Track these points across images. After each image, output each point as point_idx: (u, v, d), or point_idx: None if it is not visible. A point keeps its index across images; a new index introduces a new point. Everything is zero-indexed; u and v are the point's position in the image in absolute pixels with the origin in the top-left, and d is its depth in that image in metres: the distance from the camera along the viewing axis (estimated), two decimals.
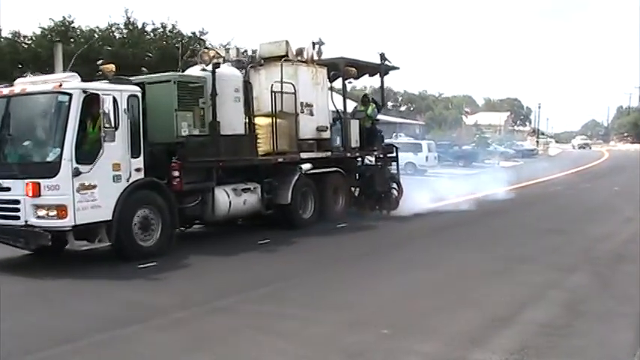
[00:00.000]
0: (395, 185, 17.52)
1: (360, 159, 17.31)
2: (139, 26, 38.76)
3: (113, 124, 10.54)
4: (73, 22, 35.86)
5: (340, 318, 7.43)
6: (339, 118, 16.59)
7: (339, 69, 16.27)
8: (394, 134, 61.51)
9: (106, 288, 9.31)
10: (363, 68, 17.40)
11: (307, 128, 15.06)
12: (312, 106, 15.17)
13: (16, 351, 6.40)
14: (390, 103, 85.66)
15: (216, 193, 12.85)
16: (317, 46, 15.57)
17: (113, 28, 38.32)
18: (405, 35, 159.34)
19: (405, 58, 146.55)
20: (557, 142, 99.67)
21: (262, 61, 15.08)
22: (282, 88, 14.50)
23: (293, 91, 14.58)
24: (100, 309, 8.02)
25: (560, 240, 12.99)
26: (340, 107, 16.76)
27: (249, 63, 15.02)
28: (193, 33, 39.77)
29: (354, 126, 16.74)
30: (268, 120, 14.11)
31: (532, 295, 8.49)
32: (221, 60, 13.33)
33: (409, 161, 34.04)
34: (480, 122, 74.19)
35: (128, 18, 38.51)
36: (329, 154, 15.70)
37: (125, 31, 38.43)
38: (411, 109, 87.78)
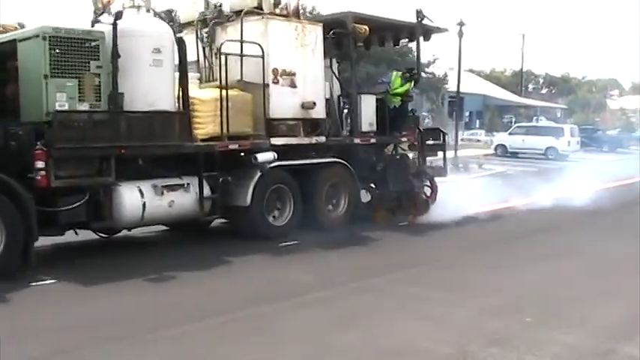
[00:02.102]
0: (427, 183, 13.13)
1: (379, 147, 13.04)
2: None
3: None
4: None
5: (483, 303, 7.38)
6: (348, 94, 12.51)
7: (345, 27, 12.15)
8: (534, 118, 55.90)
9: (250, 265, 9.29)
10: (384, 28, 13.17)
11: (285, 104, 11.17)
12: (293, 74, 11.23)
13: (172, 322, 6.65)
14: (530, 86, 78.95)
15: (120, 191, 9.35)
16: None
17: None
18: (547, 16, 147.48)
19: (548, 40, 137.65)
20: None
21: (233, 15, 11.33)
22: (242, 50, 10.72)
23: (260, 53, 10.72)
24: (247, 286, 8.17)
25: None
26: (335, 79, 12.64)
27: (213, 18, 11.37)
28: None
29: (368, 103, 12.61)
30: (214, 93, 10.37)
31: None
32: (129, 6, 9.70)
33: (550, 146, 35.28)
34: (626, 107, 66.52)
35: None
36: (322, 139, 11.70)
37: None
38: (553, 92, 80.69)
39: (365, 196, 12.85)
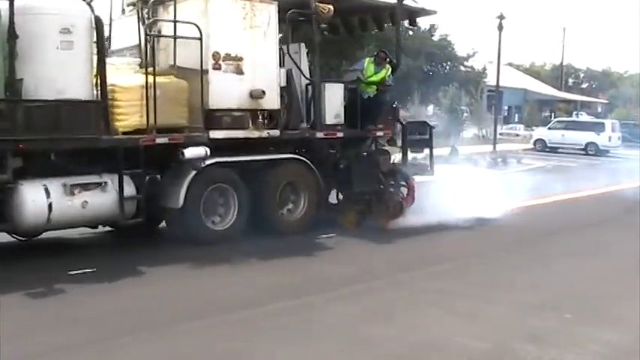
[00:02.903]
0: (402, 182, 11.68)
1: (348, 142, 11.61)
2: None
3: None
4: None
5: (521, 299, 7.27)
6: (311, 82, 11.15)
7: (307, 6, 10.79)
8: (574, 113, 53.55)
9: (288, 258, 9.13)
10: (358, 9, 11.78)
11: (229, 93, 9.88)
12: (239, 59, 9.93)
13: (207, 313, 6.59)
14: (570, 80, 76.10)
15: (21, 191, 8.20)
16: None
17: None
18: (588, 9, 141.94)
19: (589, 33, 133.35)
20: None
21: None
22: (175, 32, 9.48)
23: (198, 35, 9.44)
24: (284, 278, 8.12)
25: None
26: (305, 66, 11.28)
27: None
28: None
29: (334, 92, 11.22)
30: (140, 80, 9.14)
31: None
32: None
33: (591, 141, 34.53)
34: None
35: None
36: (276, 133, 10.37)
37: None
38: (593, 86, 77.69)
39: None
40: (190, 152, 9.15)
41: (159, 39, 10.02)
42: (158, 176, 9.30)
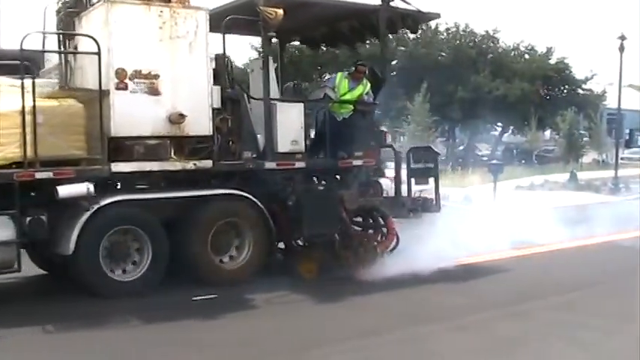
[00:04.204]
0: (379, 223, 9.52)
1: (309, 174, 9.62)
2: (432, 26, 39.17)
3: None
4: None
5: None
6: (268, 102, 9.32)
7: (254, 13, 9.02)
8: None
9: (405, 287, 8.69)
10: (326, 16, 9.95)
11: (140, 118, 8.27)
12: (154, 77, 8.31)
13: (325, 339, 6.67)
14: None
15: None
16: None
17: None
18: None
19: None
20: None
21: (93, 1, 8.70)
22: (62, 46, 8.09)
23: (96, 50, 7.95)
24: (401, 307, 7.94)
25: None
26: (272, 83, 9.47)
27: (68, 7, 8.86)
28: (486, 32, 40.51)
29: (289, 114, 9.33)
30: (16, 105, 7.73)
31: None
32: None
33: None
34: None
35: None
36: (208, 164, 8.62)
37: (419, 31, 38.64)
38: None
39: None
40: (66, 190, 7.59)
41: (75, 56, 8.65)
42: (42, 217, 7.76)
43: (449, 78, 39.06)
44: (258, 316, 7.64)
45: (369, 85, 9.80)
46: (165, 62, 8.38)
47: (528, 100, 39.68)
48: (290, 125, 9.24)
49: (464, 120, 41.51)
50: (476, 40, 42.01)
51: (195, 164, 8.54)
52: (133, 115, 8.17)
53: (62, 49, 8.90)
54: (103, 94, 8.03)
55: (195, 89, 8.57)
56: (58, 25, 8.95)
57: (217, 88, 8.79)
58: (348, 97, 9.74)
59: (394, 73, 41.85)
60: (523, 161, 37.09)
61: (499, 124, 44.16)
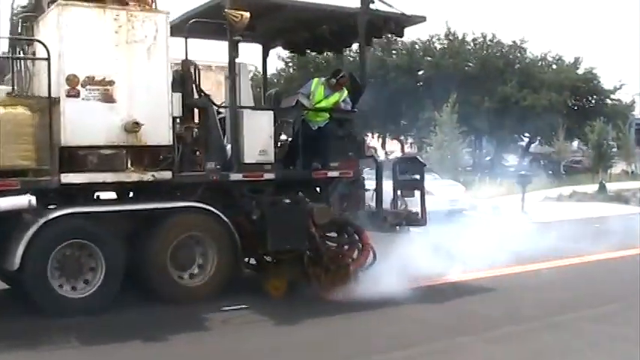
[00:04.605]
0: (352, 239, 8.96)
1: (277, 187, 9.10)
2: (459, 36, 39.91)
3: None
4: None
5: None
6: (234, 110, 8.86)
7: (220, 17, 8.58)
8: None
9: (438, 295, 8.62)
10: (300, 19, 9.51)
11: (93, 126, 7.85)
12: (109, 83, 7.91)
13: (361, 351, 6.49)
14: None
15: None
16: None
17: (434, 39, 40.04)
18: None
19: None
20: None
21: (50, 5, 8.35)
22: (24, 51, 7.78)
23: (46, 56, 7.59)
24: (437, 317, 7.79)
25: None
26: (246, 89, 9.03)
27: (25, 11, 8.55)
28: (514, 42, 40.30)
29: (257, 122, 8.84)
30: None
31: None
32: None
33: None
34: None
35: (449, 28, 39.70)
36: (166, 175, 8.18)
37: (445, 41, 40.06)
38: None
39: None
40: (5, 203, 7.19)
41: (33, 62, 8.30)
42: None
43: (476, 88, 38.66)
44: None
45: (345, 91, 9.28)
46: (122, 68, 7.97)
47: (556, 110, 38.92)
48: (258, 134, 8.76)
49: (491, 130, 40.83)
50: (503, 50, 41.52)
51: (153, 175, 8.10)
52: (85, 123, 7.77)
53: (20, 54, 8.56)
54: (53, 102, 7.65)
55: (154, 96, 8.14)
56: (15, 29, 8.61)
57: (178, 96, 8.36)
58: (323, 104, 9.23)
59: (420, 83, 41.62)
60: (550, 172, 36.14)
61: (526, 134, 43.30)
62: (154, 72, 8.15)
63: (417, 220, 9.79)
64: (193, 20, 8.54)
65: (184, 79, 8.64)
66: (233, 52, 8.64)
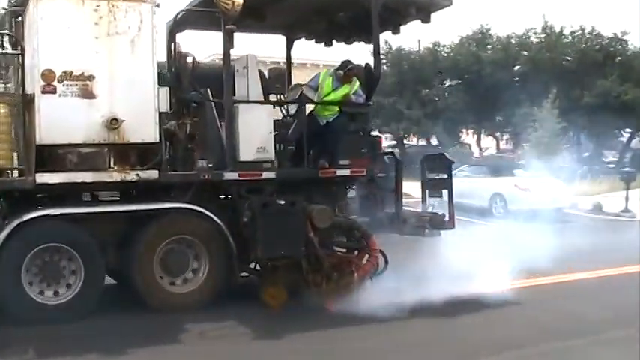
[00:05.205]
0: (362, 243, 8.13)
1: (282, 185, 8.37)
2: (557, 30, 38.44)
3: None
4: (489, 29, 38.07)
5: None
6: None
7: (213, 4, 7.98)
8: None
9: (543, 296, 8.54)
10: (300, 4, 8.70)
11: (71, 123, 7.43)
12: (88, 78, 7.46)
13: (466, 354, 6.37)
14: None
15: None
16: None
17: (530, 33, 38.64)
18: None
19: None
20: None
21: None
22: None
23: (19, 52, 7.26)
24: (543, 318, 7.57)
25: None
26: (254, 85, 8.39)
27: (14, 5, 8.29)
28: (614, 34, 38.58)
29: (254, 117, 8.16)
30: None
31: None
32: None
33: None
34: None
35: (545, 22, 38.17)
36: (153, 175, 7.66)
37: (542, 35, 38.48)
38: None
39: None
40: None
41: (19, 58, 7.95)
42: None
43: (574, 83, 36.75)
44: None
45: (357, 83, 8.46)
46: (102, 62, 7.50)
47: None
48: (255, 130, 8.08)
49: (590, 126, 38.59)
50: (603, 43, 39.17)
51: (137, 175, 7.59)
52: (62, 120, 7.34)
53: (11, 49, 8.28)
54: (28, 99, 7.28)
55: (138, 91, 7.62)
56: (3, 24, 8.35)
57: (165, 90, 7.80)
58: (331, 97, 8.45)
59: (516, 79, 39.92)
60: None
61: (627, 129, 40.60)
62: (138, 65, 7.63)
63: (442, 223, 8.84)
64: (183, 10, 7.95)
65: (182, 72, 8.11)
66: (227, 41, 7.99)
